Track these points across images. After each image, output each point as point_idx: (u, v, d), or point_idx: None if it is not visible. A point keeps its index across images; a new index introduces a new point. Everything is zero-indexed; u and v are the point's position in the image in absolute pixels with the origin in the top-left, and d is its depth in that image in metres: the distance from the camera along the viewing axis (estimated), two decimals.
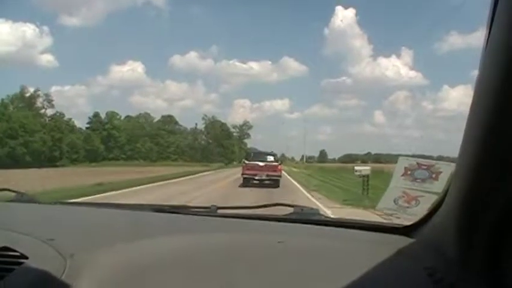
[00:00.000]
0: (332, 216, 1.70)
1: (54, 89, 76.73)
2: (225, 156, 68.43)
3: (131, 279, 0.72)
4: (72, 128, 62.93)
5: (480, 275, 0.64)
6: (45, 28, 73.76)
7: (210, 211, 1.31)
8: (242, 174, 16.51)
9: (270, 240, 0.93)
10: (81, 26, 76.29)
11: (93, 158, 60.80)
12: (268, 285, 0.72)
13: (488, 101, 0.51)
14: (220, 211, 1.31)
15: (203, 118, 73.37)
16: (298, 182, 19.47)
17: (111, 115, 67.55)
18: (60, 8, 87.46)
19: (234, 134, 77.97)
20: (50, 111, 57.48)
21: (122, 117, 68.80)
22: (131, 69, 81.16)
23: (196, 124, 74.06)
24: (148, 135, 66.61)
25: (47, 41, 72.82)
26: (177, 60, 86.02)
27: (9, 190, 1.50)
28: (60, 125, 55.77)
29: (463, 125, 0.58)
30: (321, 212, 1.38)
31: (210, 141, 72.20)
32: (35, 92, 54.26)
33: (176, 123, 73.53)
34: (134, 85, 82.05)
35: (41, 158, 47.37)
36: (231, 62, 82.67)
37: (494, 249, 0.59)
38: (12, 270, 0.70)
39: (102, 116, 67.45)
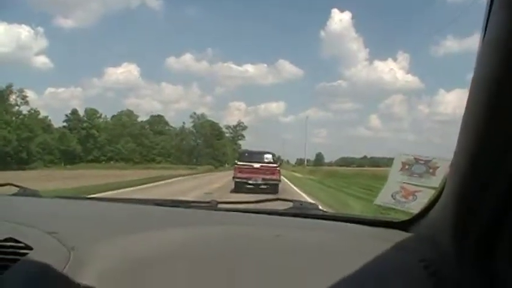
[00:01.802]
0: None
1: (49, 90, 78.33)
2: (215, 158, 63.50)
3: (132, 272, 0.76)
4: (48, 127, 59.71)
5: (475, 267, 0.66)
6: (40, 30, 73.83)
7: (210, 205, 1.37)
8: (233, 177, 14.62)
9: (269, 234, 0.98)
10: (76, 27, 78.05)
11: (69, 159, 57.81)
12: (267, 277, 0.76)
13: (483, 101, 0.54)
14: (220, 205, 1.37)
15: (191, 116, 69.39)
16: (319, 200, 11.14)
17: (91, 113, 63.56)
18: (56, 10, 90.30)
19: (227, 134, 77.58)
20: (24, 108, 54.93)
21: (104, 116, 66.79)
22: (126, 71, 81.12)
23: (183, 123, 70.76)
24: (131, 135, 61.71)
25: (42, 42, 74.75)
26: (172, 62, 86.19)
27: (12, 185, 1.59)
28: (30, 122, 52.24)
29: (458, 128, 0.61)
30: (320, 207, 1.43)
31: (199, 141, 66.44)
32: (7, 87, 52.11)
33: (166, 123, 72.11)
34: (129, 87, 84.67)
35: (5, 160, 43.32)
36: (226, 64, 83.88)
37: (489, 242, 0.61)
38: (16, 260, 0.73)
39: (81, 113, 62.25)
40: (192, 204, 1.49)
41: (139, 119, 69.87)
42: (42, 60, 74.68)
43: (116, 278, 0.73)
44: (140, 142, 64.96)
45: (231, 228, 1.07)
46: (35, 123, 53.58)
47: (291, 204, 1.37)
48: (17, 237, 0.81)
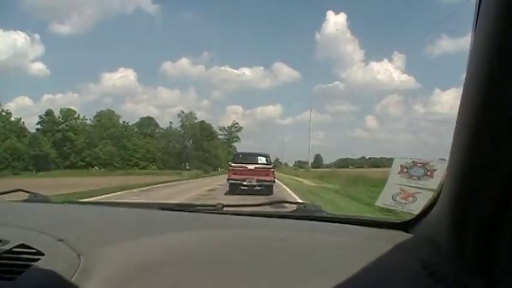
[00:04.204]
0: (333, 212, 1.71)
1: (46, 97, 79.55)
2: (206, 162, 57.94)
3: (139, 276, 0.82)
4: (22, 131, 54.99)
5: (474, 268, 0.69)
6: (36, 36, 78.23)
7: (215, 209, 1.44)
8: (228, 179, 15.22)
9: (275, 237, 1.05)
10: (72, 33, 79.42)
11: (42, 166, 54.21)
12: (273, 281, 0.83)
13: (476, 100, 0.56)
14: (226, 209, 1.44)
15: (179, 115, 64.17)
16: None
17: (67, 113, 58.00)
18: (51, 16, 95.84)
19: (221, 136, 76.88)
20: None
21: (83, 116, 64.27)
22: (123, 76, 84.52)
23: (170, 123, 65.68)
24: (111, 138, 55.97)
25: (38, 49, 78.14)
26: (168, 66, 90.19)
27: (22, 191, 1.66)
28: None
29: (454, 128, 0.64)
30: (323, 209, 1.51)
31: (186, 143, 60.75)
32: None
33: (156, 125, 70.60)
34: (126, 92, 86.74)
35: None
36: (222, 68, 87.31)
37: (487, 242, 0.63)
38: (29, 266, 0.80)
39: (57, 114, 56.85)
40: (198, 208, 1.55)
41: (132, 123, 68.26)
42: (38, 67, 76.63)
43: (124, 283, 0.79)
44: (122, 145, 60.11)
45: (236, 231, 1.14)
46: (5, 126, 51.45)
47: (295, 206, 1.46)
48: (29, 244, 0.87)
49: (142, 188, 18.53)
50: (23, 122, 58.19)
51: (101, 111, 65.40)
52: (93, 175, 43.87)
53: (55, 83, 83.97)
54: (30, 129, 58.73)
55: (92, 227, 1.17)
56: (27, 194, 1.64)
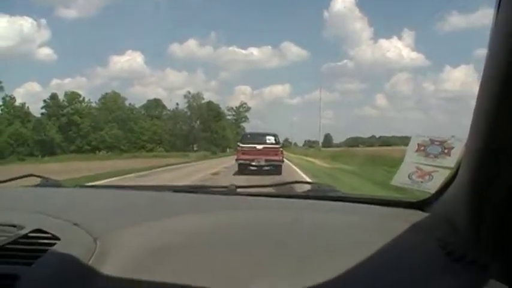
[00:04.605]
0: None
1: (54, 82, 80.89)
2: (213, 143, 56.36)
3: (154, 259, 0.83)
4: (26, 116, 51.58)
5: (490, 246, 0.70)
6: (43, 21, 79.05)
7: (228, 190, 1.43)
8: (236, 159, 15.50)
9: (289, 217, 1.06)
10: (78, 17, 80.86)
11: (48, 151, 53.24)
12: (288, 261, 0.83)
13: (499, 80, 0.55)
14: (239, 190, 1.44)
15: (185, 96, 62.34)
16: None
17: (72, 97, 57.23)
18: (57, 0, 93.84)
19: (229, 117, 76.21)
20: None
21: (88, 100, 63.42)
22: (131, 59, 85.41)
23: (177, 104, 63.88)
24: (117, 121, 54.91)
25: (45, 34, 78.61)
26: (176, 48, 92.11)
27: (34, 175, 1.67)
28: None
29: (464, 106, 0.69)
30: (337, 188, 1.51)
31: (194, 124, 59.39)
32: None
33: (164, 107, 69.63)
34: (134, 75, 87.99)
35: None
36: (230, 48, 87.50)
37: (504, 222, 0.64)
38: (45, 251, 0.80)
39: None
40: (211, 189, 1.57)
41: (139, 106, 67.77)
42: (46, 52, 77.84)
43: (139, 266, 0.80)
44: (129, 128, 58.83)
45: (250, 212, 1.14)
46: (9, 111, 51.29)
47: (309, 186, 1.47)
48: (44, 228, 0.88)
49: (142, 173, 17.15)
50: (28, 107, 57.85)
51: (106, 93, 64.77)
52: (100, 159, 43.25)
53: (63, 67, 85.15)
54: (37, 115, 58.57)
55: (106, 211, 1.18)
56: (38, 179, 1.66)
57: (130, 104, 65.82)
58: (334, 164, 21.63)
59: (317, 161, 26.30)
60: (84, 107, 61.08)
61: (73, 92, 61.22)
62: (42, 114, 58.81)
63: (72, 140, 58.07)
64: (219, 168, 19.10)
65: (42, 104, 59.84)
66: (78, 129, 58.40)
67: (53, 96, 59.93)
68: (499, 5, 0.55)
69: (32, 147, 52.17)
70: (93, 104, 62.83)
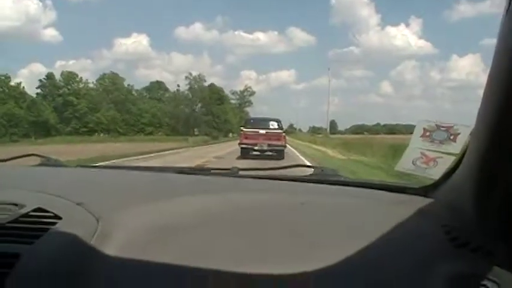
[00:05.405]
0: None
1: (59, 63, 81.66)
2: (216, 127, 54.14)
3: (156, 240, 0.83)
4: (21, 96, 49.83)
5: (496, 233, 0.70)
6: (48, 2, 78.82)
7: (231, 172, 1.44)
8: (239, 143, 15.91)
9: (291, 200, 1.06)
10: None
11: (42, 132, 52.38)
12: (292, 244, 0.83)
13: (508, 68, 0.55)
14: (241, 172, 1.44)
15: (186, 77, 60.51)
16: None
17: (68, 77, 54.93)
18: None
19: (233, 101, 75.05)
20: None
21: (85, 80, 62.13)
22: (136, 42, 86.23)
23: (178, 86, 61.51)
24: (115, 102, 52.52)
25: (51, 15, 78.17)
26: (182, 31, 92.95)
27: (35, 155, 1.68)
28: None
29: (471, 94, 0.67)
30: (340, 173, 1.51)
31: (195, 107, 57.25)
32: None
33: (166, 90, 68.64)
34: (139, 58, 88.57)
35: None
36: (236, 32, 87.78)
37: (510, 209, 0.66)
38: (47, 230, 0.80)
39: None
40: (213, 171, 1.53)
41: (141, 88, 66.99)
42: (51, 33, 78.95)
43: (142, 247, 0.80)
44: (127, 110, 56.52)
45: (253, 194, 1.13)
46: (4, 91, 50.69)
47: (311, 170, 1.46)
48: (45, 207, 0.88)
49: (124, 158, 15.23)
50: (23, 87, 56.82)
51: (104, 74, 63.94)
52: (94, 141, 42.40)
53: (68, 49, 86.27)
54: (35, 95, 57.72)
55: (109, 191, 1.18)
56: (39, 159, 1.66)
57: (129, 85, 65.15)
58: (350, 155, 18.48)
59: (329, 151, 22.58)
60: (81, 88, 59.93)
61: (70, 72, 60.28)
62: (37, 94, 57.87)
63: (68, 121, 57.05)
64: (209, 157, 16.64)
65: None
66: (74, 111, 57.26)
67: (49, 76, 59.09)
68: None
69: (26, 128, 51.16)
70: (91, 85, 61.94)
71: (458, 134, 1.02)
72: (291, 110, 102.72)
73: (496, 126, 0.60)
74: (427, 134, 1.06)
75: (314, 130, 79.79)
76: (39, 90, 58.06)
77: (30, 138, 48.06)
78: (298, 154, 18.42)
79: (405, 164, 1.09)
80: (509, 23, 0.56)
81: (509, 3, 0.54)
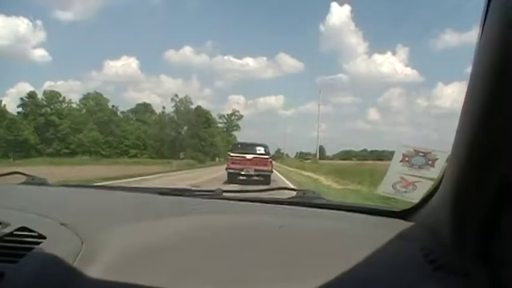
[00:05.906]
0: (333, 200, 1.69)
1: (47, 84, 76.97)
2: (202, 151, 53.05)
3: (141, 261, 0.85)
4: (1, 114, 47.17)
5: (473, 255, 0.73)
6: (39, 22, 77.04)
7: (214, 194, 1.46)
8: (227, 168, 16.09)
9: (273, 222, 1.08)
10: (74, 20, 79.62)
11: (22, 152, 50.40)
12: (273, 267, 0.85)
13: (482, 95, 0.59)
14: (225, 194, 1.47)
15: (172, 100, 59.38)
16: None
17: (51, 96, 52.67)
18: (54, 2, 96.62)
19: (220, 125, 75.40)
20: None
21: (69, 100, 60.74)
22: (125, 64, 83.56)
23: (163, 108, 60.34)
24: (99, 123, 50.80)
25: (40, 35, 76.17)
26: (172, 55, 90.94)
27: (19, 173, 1.67)
28: None
29: (456, 122, 0.67)
30: (323, 196, 1.55)
31: (181, 130, 56.17)
32: None
33: (152, 112, 67.73)
34: (129, 80, 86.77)
35: None
36: (226, 57, 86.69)
37: (486, 232, 0.67)
38: (31, 249, 0.82)
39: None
40: (197, 193, 1.55)
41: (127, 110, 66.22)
42: (40, 53, 75.92)
43: (125, 268, 0.82)
44: (111, 131, 54.66)
45: (236, 217, 1.16)
46: None
47: (294, 193, 1.48)
48: (30, 227, 0.89)
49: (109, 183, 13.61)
50: (4, 105, 55.23)
51: (88, 93, 62.79)
52: (74, 164, 40.25)
53: (57, 70, 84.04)
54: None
55: (93, 211, 1.19)
56: (24, 177, 1.65)
57: (113, 106, 64.03)
58: (346, 184, 17.02)
59: (321, 178, 20.50)
60: (64, 108, 58.66)
61: (52, 91, 59.06)
62: (18, 113, 56.19)
63: (50, 142, 55.38)
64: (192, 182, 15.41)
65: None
66: (56, 131, 55.68)
67: (31, 95, 57.56)
68: (483, 23, 0.58)
69: (4, 147, 49.12)
70: (74, 105, 60.85)
71: (436, 159, 1.05)
72: (279, 135, 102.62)
73: (471, 154, 0.62)
74: (406, 159, 1.09)
75: (302, 155, 79.49)
76: (20, 109, 56.65)
77: (8, 159, 46.47)
78: (288, 182, 15.87)
79: (385, 187, 1.12)
80: (482, 51, 0.57)
81: (482, 32, 0.57)
